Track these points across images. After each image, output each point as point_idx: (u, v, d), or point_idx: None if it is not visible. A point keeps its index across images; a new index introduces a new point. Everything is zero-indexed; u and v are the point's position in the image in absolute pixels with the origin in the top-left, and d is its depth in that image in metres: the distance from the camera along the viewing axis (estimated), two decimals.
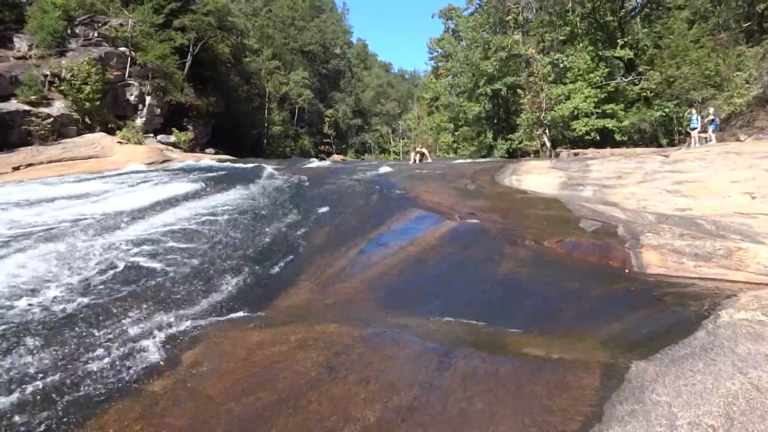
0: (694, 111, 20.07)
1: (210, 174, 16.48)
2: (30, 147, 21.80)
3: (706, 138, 19.11)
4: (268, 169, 18.45)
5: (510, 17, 33.83)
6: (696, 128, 19.30)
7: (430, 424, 3.00)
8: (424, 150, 26.00)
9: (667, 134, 27.82)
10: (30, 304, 5.05)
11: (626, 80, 29.86)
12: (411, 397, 3.30)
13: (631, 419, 2.76)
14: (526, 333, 4.73)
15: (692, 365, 3.22)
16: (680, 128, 26.08)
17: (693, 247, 6.44)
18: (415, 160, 24.24)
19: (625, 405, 2.91)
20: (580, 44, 30.59)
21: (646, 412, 2.80)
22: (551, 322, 5.06)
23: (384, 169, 19.97)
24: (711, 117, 19.04)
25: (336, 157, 48.60)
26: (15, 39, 27.12)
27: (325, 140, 63.92)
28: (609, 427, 2.74)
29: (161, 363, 4.04)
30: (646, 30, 30.66)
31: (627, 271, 6.25)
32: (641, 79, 28.42)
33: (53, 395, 3.56)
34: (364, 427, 3.01)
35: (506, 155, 33.65)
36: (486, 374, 3.52)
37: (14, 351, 4.10)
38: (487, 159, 30.69)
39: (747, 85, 22.06)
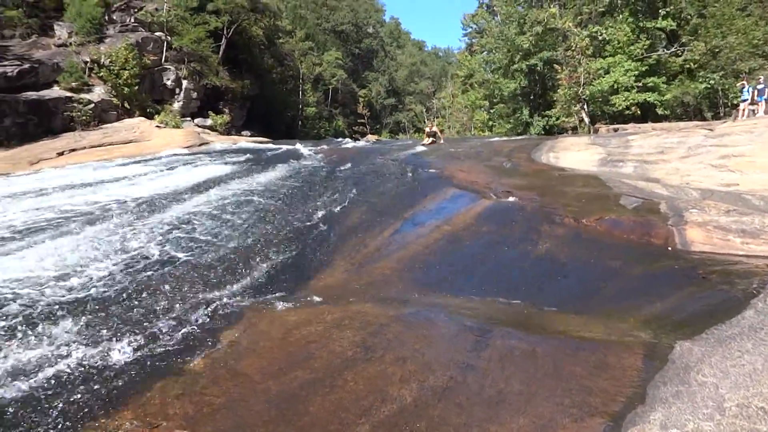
0: (745, 83, 19.23)
1: (246, 156, 16.66)
2: (72, 132, 22.37)
3: (753, 110, 18.34)
4: (303, 150, 18.55)
5: None
6: (746, 100, 18.54)
7: (467, 404, 2.97)
8: (435, 129, 24.14)
9: (712, 107, 26.78)
10: (75, 284, 5.20)
11: (668, 52, 28.78)
12: (447, 377, 3.28)
13: (675, 401, 2.68)
14: (564, 312, 4.65)
15: (740, 345, 3.11)
16: (726, 101, 25.08)
17: (740, 223, 6.20)
18: (434, 141, 22.42)
19: (669, 386, 2.82)
20: (620, 16, 29.54)
21: (692, 393, 2.71)
22: (590, 302, 4.96)
23: (419, 148, 19.80)
24: (762, 85, 18.22)
25: (370, 137, 48.24)
26: (55, 27, 27.68)
27: (359, 120, 63.47)
28: (652, 408, 2.66)
29: (201, 342, 4.12)
30: None
31: (670, 248, 6.06)
32: (684, 50, 27.34)
33: (98, 370, 3.67)
34: (400, 407, 3.00)
35: (543, 132, 32.89)
36: (523, 354, 3.47)
37: (60, 326, 4.24)
38: (523, 136, 30.11)
39: None
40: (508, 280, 5.77)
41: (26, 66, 22.63)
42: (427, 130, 24.06)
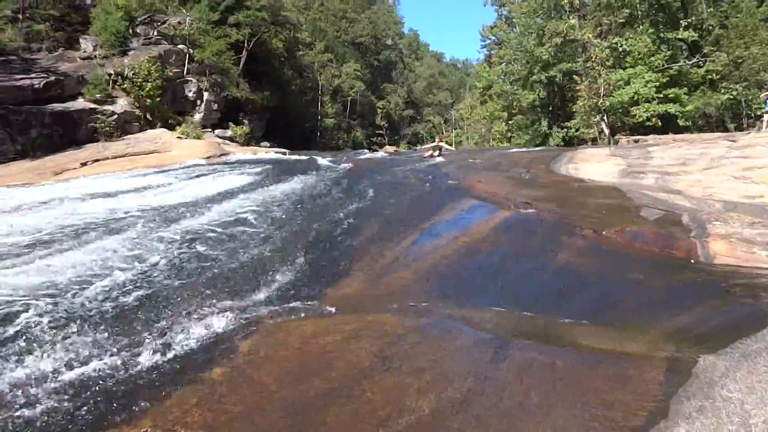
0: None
1: (265, 167, 16.79)
2: (96, 143, 22.78)
3: None
4: (322, 161, 18.67)
5: (565, 1, 32.79)
6: None
7: (485, 416, 2.94)
8: (442, 144, 23.06)
9: (735, 118, 26.38)
10: (95, 291, 5.27)
11: (690, 63, 28.48)
12: (465, 388, 3.25)
13: (699, 416, 2.62)
14: (584, 325, 4.59)
15: (766, 360, 3.03)
16: (749, 112, 24.69)
17: (765, 235, 6.09)
18: (432, 155, 21.04)
19: (692, 401, 2.77)
20: (640, 27, 29.30)
21: (716, 408, 2.66)
22: (611, 314, 4.89)
23: (437, 159, 19.81)
24: None
25: (388, 148, 48.37)
26: (81, 40, 28.28)
27: (377, 132, 63.92)
28: (675, 423, 2.61)
29: (219, 351, 4.13)
30: (711, 9, 29.05)
31: (692, 261, 5.97)
32: (706, 61, 27.04)
33: (117, 378, 3.70)
34: (418, 419, 2.98)
35: (562, 143, 32.68)
36: (542, 367, 3.43)
37: (80, 333, 4.29)
38: (542, 147, 29.97)
39: None
40: (526, 292, 5.72)
41: (52, 78, 23.15)
42: (434, 143, 23.48)
